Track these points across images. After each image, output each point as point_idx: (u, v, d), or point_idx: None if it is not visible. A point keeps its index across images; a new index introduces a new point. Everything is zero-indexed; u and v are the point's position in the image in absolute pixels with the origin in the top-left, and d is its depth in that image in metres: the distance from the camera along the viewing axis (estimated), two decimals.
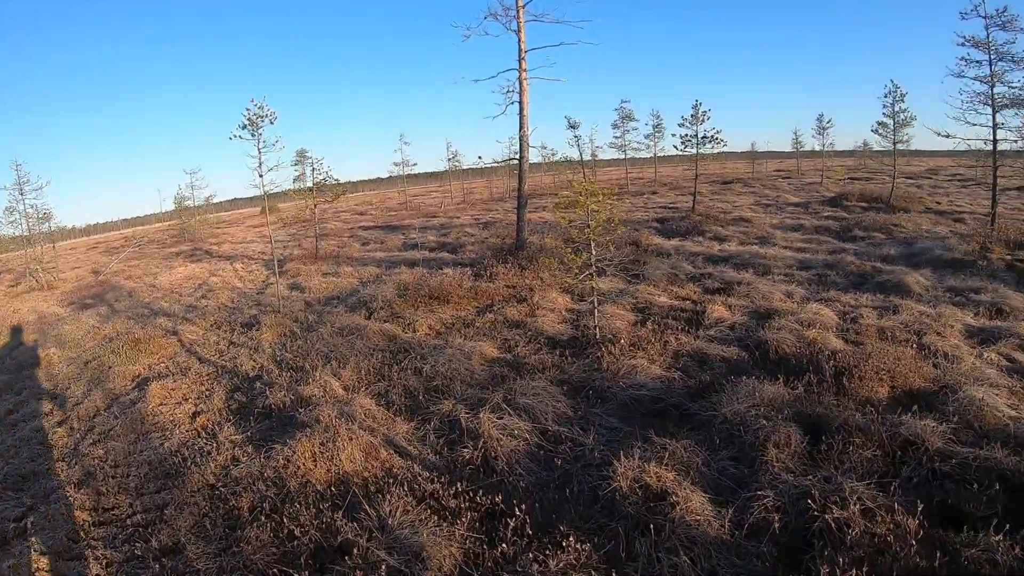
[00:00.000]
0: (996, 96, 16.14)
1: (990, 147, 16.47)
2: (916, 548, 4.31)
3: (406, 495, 5.49)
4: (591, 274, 9.49)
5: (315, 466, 6.16)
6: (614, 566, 4.47)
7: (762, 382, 6.97)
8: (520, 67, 15.66)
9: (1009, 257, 13.25)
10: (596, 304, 9.78)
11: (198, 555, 5.26)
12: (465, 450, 6.25)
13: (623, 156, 43.81)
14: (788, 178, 42.40)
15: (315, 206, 22.69)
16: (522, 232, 16.49)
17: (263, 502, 5.75)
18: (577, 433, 6.47)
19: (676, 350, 8.61)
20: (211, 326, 13.24)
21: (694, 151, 24.92)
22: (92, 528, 6.04)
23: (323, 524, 5.22)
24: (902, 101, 24.50)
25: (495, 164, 38.37)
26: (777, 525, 4.73)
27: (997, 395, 6.63)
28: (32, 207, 26.67)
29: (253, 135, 13.02)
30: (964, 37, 16.26)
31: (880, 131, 25.39)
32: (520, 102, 15.86)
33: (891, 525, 4.57)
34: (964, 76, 16.51)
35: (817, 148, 41.96)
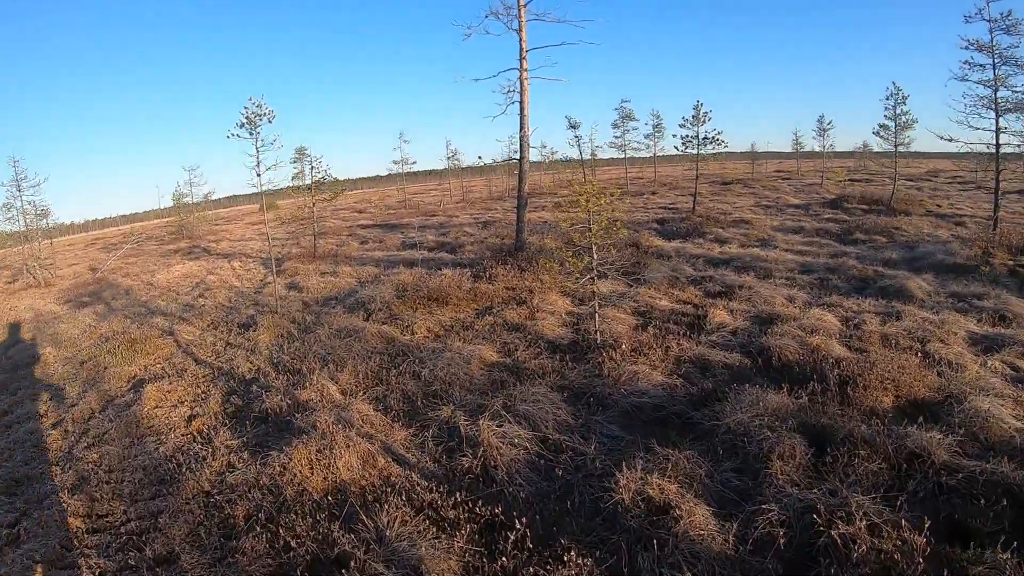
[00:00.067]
0: (999, 100, 16.05)
1: (993, 151, 16.38)
2: (923, 566, 4.24)
3: (404, 505, 5.40)
4: (592, 278, 9.40)
5: (312, 474, 6.07)
6: None
7: (765, 391, 6.88)
8: (521, 66, 15.55)
9: (1011, 262, 13.17)
10: (597, 308, 9.68)
11: (192, 565, 5.17)
12: (464, 458, 6.16)
13: (623, 156, 43.68)
14: (788, 179, 42.32)
15: (314, 204, 22.57)
16: (522, 233, 16.40)
17: (259, 511, 5.66)
18: (578, 442, 6.38)
19: (678, 356, 8.52)
20: (208, 326, 13.14)
21: (695, 152, 24.81)
22: (86, 536, 5.94)
23: (320, 535, 5.13)
24: (904, 104, 24.41)
25: (495, 163, 38.12)
26: (782, 540, 4.65)
27: (1002, 406, 6.56)
28: (30, 203, 26.62)
29: (251, 134, 12.92)
30: (968, 40, 16.15)
31: (882, 133, 25.29)
32: (521, 102, 15.76)
33: (898, 542, 4.48)
34: (967, 80, 16.41)
35: (817, 149, 41.88)
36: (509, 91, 15.93)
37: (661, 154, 44.65)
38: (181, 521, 5.80)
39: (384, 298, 12.87)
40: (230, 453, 7.02)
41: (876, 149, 36.99)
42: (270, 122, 12.97)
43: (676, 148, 25.51)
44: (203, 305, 15.47)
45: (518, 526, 4.86)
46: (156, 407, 8.76)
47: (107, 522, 6.15)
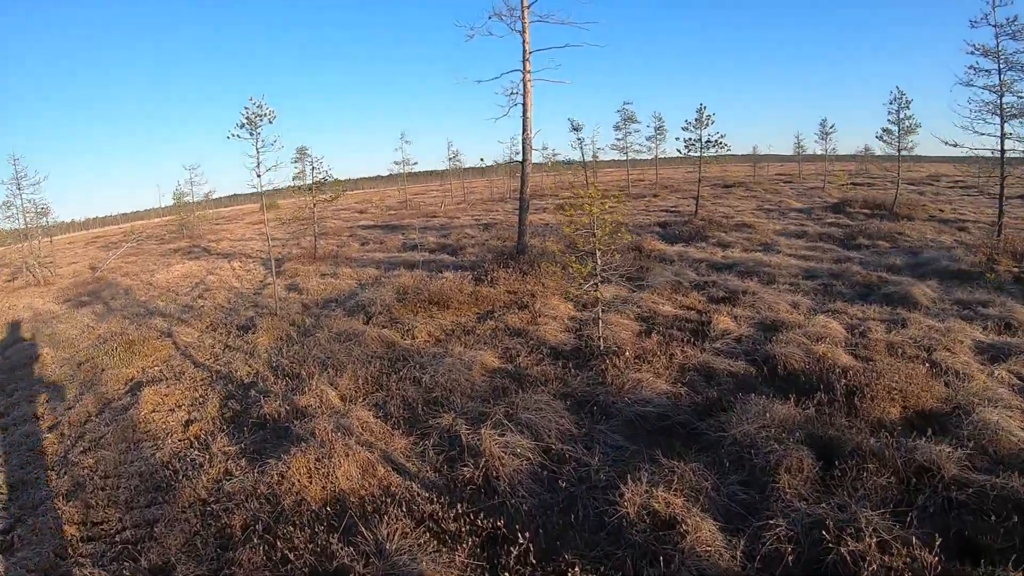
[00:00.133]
0: (1005, 106, 15.94)
1: (997, 156, 16.27)
2: None
3: (404, 516, 5.30)
4: (596, 284, 9.30)
5: (310, 483, 5.97)
6: None
7: (772, 401, 6.77)
8: (524, 68, 15.44)
9: (1016, 269, 13.07)
10: (600, 315, 9.58)
11: None
12: (466, 468, 6.05)
13: (625, 158, 43.56)
14: (789, 182, 42.26)
15: (314, 204, 22.49)
16: (524, 236, 16.28)
17: (256, 521, 5.55)
18: (581, 452, 6.27)
19: (682, 364, 8.42)
20: (207, 328, 13.04)
21: (698, 155, 24.72)
22: (80, 544, 5.85)
23: (318, 547, 5.03)
24: (907, 108, 24.32)
25: (496, 164, 38.03)
26: (790, 557, 4.55)
27: (1011, 417, 6.46)
28: (30, 201, 26.53)
29: (251, 134, 12.83)
30: (974, 45, 16.05)
31: (885, 138, 25.19)
32: (524, 104, 15.65)
33: (908, 559, 4.39)
34: (973, 85, 16.31)
35: (819, 152, 41.81)
36: (512, 93, 15.85)
37: (662, 156, 44.53)
38: (177, 530, 5.70)
39: (384, 301, 12.76)
40: (227, 460, 6.92)
41: (878, 153, 36.93)
42: (271, 123, 12.90)
43: (679, 151, 25.44)
44: (202, 306, 15.37)
45: (521, 540, 4.76)
46: (153, 411, 8.67)
47: (102, 530, 6.05)
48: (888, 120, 24.77)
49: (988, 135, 16.24)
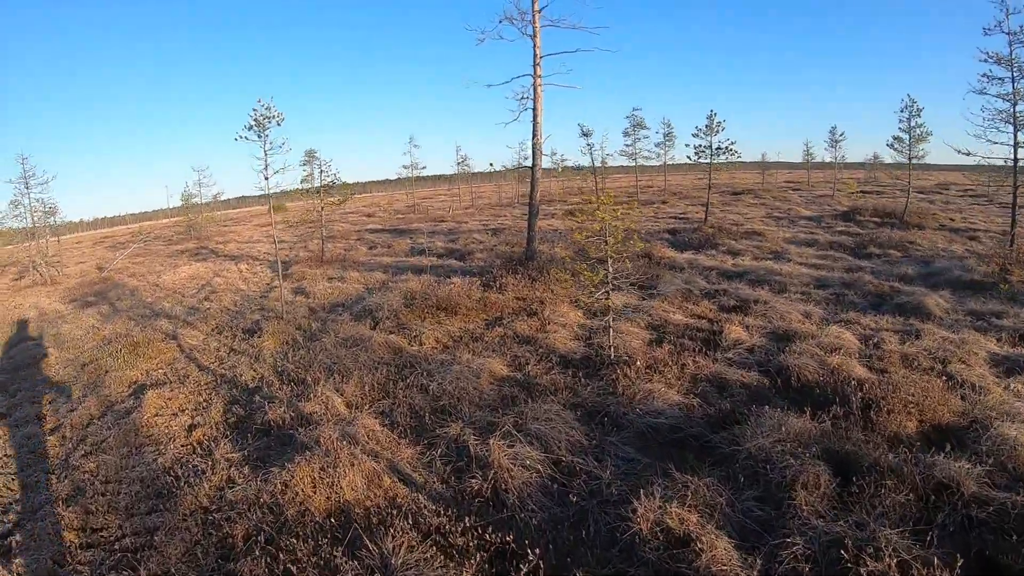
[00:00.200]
0: (1019, 114, 15.75)
1: (1010, 165, 16.07)
2: None
3: (411, 530, 5.17)
4: (607, 292, 9.17)
5: (314, 493, 5.85)
6: None
7: (787, 414, 6.61)
8: (535, 73, 15.35)
9: None
10: (611, 323, 9.44)
11: None
12: (474, 480, 5.91)
13: (633, 164, 43.42)
14: (798, 190, 42.04)
15: (322, 207, 22.47)
16: (533, 242, 16.17)
17: (259, 532, 5.43)
18: (592, 465, 6.11)
19: (694, 374, 8.26)
20: (212, 331, 12.98)
21: (708, 162, 24.58)
22: (79, 551, 5.74)
23: (322, 560, 4.90)
24: (918, 116, 24.14)
25: (505, 169, 37.99)
26: None
27: None
28: (38, 201, 26.65)
29: (259, 136, 12.77)
30: (987, 53, 15.88)
31: (896, 146, 25.01)
32: (534, 109, 15.56)
33: None
34: (986, 93, 16.13)
35: (828, 160, 41.60)
36: (523, 98, 15.74)
37: (671, 163, 44.39)
38: (178, 539, 5.58)
39: (392, 306, 12.65)
40: (230, 467, 6.80)
41: (887, 160, 36.73)
42: (279, 125, 12.82)
43: (689, 158, 25.30)
44: (208, 308, 15.32)
45: (531, 556, 4.61)
46: (156, 415, 8.58)
47: (102, 537, 5.94)
48: (899, 128, 24.63)
49: (1001, 144, 16.08)
